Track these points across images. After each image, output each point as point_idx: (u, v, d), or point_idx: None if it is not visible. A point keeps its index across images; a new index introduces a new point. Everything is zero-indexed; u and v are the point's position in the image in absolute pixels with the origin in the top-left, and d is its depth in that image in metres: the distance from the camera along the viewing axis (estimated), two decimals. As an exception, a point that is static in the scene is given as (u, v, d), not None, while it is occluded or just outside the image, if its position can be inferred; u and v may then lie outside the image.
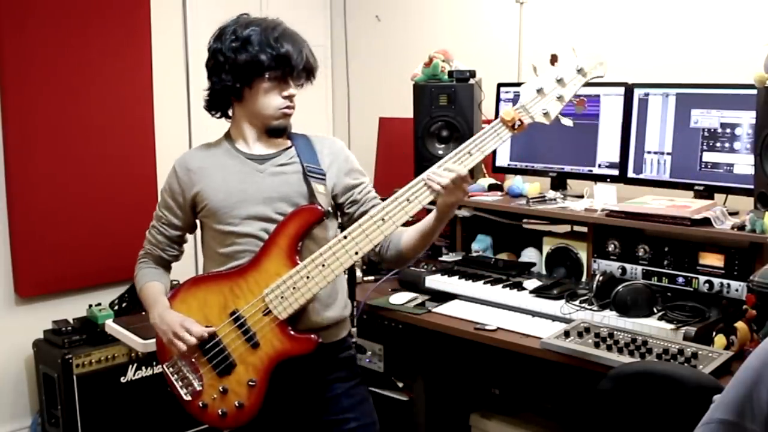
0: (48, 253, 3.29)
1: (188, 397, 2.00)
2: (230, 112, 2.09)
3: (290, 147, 2.05)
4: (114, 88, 3.41)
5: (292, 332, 1.92)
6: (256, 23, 1.99)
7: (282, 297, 1.90)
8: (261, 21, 2.00)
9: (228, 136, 2.10)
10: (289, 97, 2.00)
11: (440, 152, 3.18)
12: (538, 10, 3.42)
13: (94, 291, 3.47)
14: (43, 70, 3.21)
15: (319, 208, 1.95)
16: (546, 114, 1.86)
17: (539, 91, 1.85)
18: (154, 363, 3.22)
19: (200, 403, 1.99)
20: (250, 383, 1.94)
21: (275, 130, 2.03)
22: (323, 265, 1.89)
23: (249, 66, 1.94)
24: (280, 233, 1.94)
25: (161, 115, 3.59)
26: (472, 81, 3.17)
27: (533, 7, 3.43)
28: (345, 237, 1.88)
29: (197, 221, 2.10)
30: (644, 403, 1.95)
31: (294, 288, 1.89)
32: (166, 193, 2.09)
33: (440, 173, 1.84)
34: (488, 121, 3.27)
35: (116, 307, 3.39)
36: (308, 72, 2.02)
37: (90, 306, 3.33)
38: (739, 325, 2.18)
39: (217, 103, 2.07)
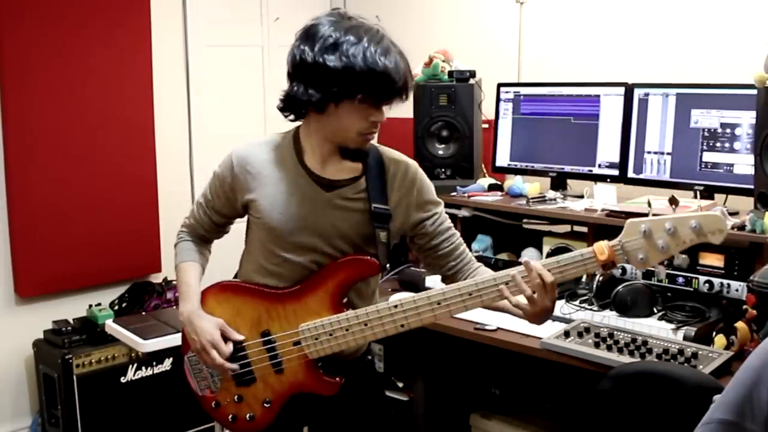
0: (48, 253, 3.29)
1: (202, 393, 1.98)
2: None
3: (361, 177, 1.85)
4: (114, 87, 3.41)
5: (319, 372, 1.86)
6: (356, 28, 1.71)
7: (316, 339, 1.83)
8: (361, 25, 1.73)
9: (296, 140, 1.87)
10: (376, 123, 1.77)
11: (440, 152, 3.18)
12: (538, 10, 3.42)
13: (94, 291, 3.47)
14: (43, 70, 3.21)
15: (377, 263, 1.83)
16: (643, 261, 1.64)
17: (645, 234, 1.63)
18: (154, 363, 3.22)
19: (213, 402, 1.97)
20: (265, 403, 1.90)
21: (350, 153, 1.82)
22: (366, 325, 1.80)
23: (341, 82, 1.68)
24: (331, 277, 1.83)
25: (161, 115, 3.59)
26: (472, 81, 3.17)
27: (533, 7, 3.43)
28: (396, 306, 1.78)
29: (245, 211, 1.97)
30: (644, 403, 1.95)
31: (331, 335, 1.82)
32: (218, 180, 1.92)
33: (527, 278, 1.69)
34: (488, 121, 3.29)
35: (116, 307, 3.39)
36: (403, 92, 1.76)
37: (90, 306, 3.33)
38: (739, 325, 2.18)
39: (293, 108, 1.82)
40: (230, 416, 1.94)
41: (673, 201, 1.76)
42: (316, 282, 1.84)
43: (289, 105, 1.80)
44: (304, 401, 1.90)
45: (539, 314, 1.74)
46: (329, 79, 1.69)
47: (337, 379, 1.87)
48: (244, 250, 2.00)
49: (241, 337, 1.89)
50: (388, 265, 1.90)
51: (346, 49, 1.68)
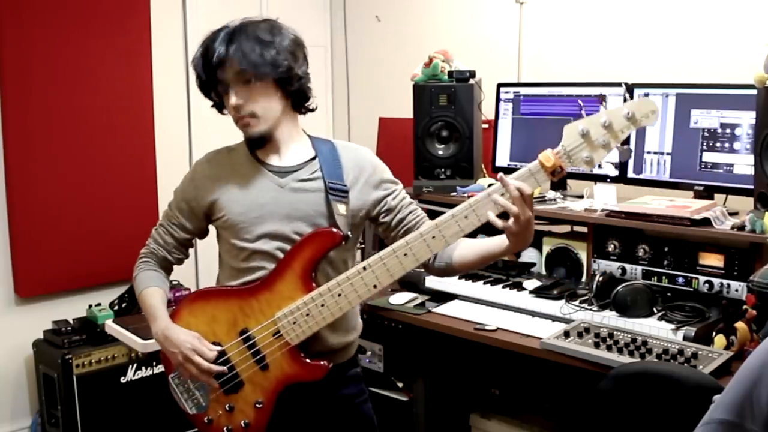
0: (48, 253, 3.29)
1: (193, 411, 1.98)
2: None
3: (314, 158, 1.92)
4: (114, 88, 3.41)
5: (303, 358, 1.87)
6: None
7: (295, 323, 1.83)
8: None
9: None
10: (233, 108, 1.84)
11: (440, 152, 3.18)
12: (538, 10, 3.42)
13: (94, 291, 3.47)
14: (43, 70, 3.21)
15: (338, 232, 1.84)
16: (589, 161, 1.69)
17: (584, 135, 1.68)
18: (154, 363, 3.22)
19: (205, 419, 1.96)
20: (257, 405, 1.89)
21: (249, 142, 1.92)
22: (339, 295, 1.81)
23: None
24: (296, 256, 1.85)
25: (161, 115, 3.59)
26: (472, 81, 3.17)
27: (533, 7, 3.43)
28: (364, 268, 1.79)
29: (209, 227, 2.03)
30: (644, 404, 1.95)
31: (308, 315, 1.82)
32: (181, 194, 1.99)
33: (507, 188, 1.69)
34: (488, 121, 3.29)
35: (116, 307, 3.39)
36: (244, 70, 1.79)
37: (90, 306, 3.33)
38: (739, 325, 2.18)
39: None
40: (225, 429, 1.93)
41: (601, 98, 1.78)
42: (283, 267, 1.86)
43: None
44: (296, 398, 1.90)
45: (524, 229, 1.72)
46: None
47: (323, 362, 1.87)
48: (219, 268, 2.03)
49: (217, 349, 1.88)
50: (350, 233, 1.89)
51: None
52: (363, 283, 1.80)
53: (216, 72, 1.82)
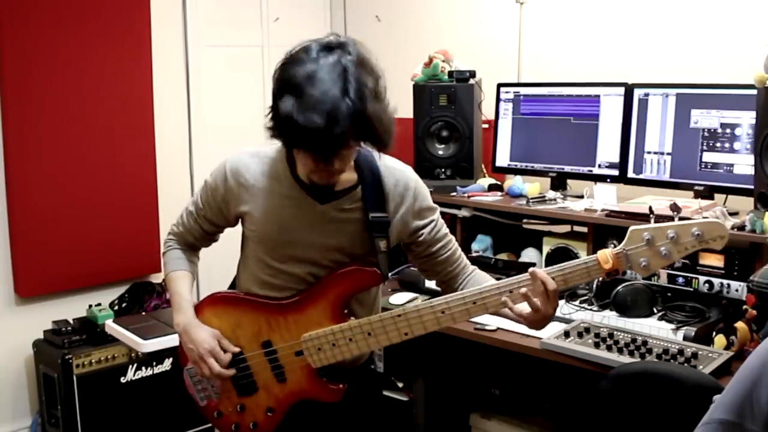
0: (48, 253, 3.29)
1: (203, 403, 1.97)
2: None
3: (356, 187, 1.81)
4: (114, 88, 3.41)
5: (322, 380, 1.85)
6: (299, 62, 1.60)
7: (320, 348, 1.81)
8: (306, 59, 1.60)
9: (289, 152, 1.79)
10: (324, 174, 1.70)
11: (440, 152, 3.18)
12: (538, 10, 3.42)
13: (94, 291, 3.47)
14: (43, 70, 3.21)
15: (380, 273, 1.80)
16: (646, 268, 1.65)
17: (648, 241, 1.63)
18: (154, 363, 3.22)
19: (215, 413, 1.95)
20: (268, 412, 1.89)
21: (314, 186, 1.77)
22: (369, 334, 1.79)
23: (281, 131, 1.62)
24: (333, 287, 1.81)
25: (161, 115, 3.59)
26: (472, 81, 3.17)
27: (533, 7, 3.43)
28: (399, 315, 1.77)
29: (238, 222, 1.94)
30: (644, 403, 1.95)
31: (334, 344, 1.80)
32: (211, 189, 1.88)
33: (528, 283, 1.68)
34: (488, 121, 3.29)
35: (116, 307, 3.39)
36: (330, 145, 1.59)
37: (90, 306, 3.33)
38: (739, 325, 2.19)
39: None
40: (233, 425, 1.93)
41: (674, 208, 1.78)
42: (318, 292, 1.82)
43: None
44: (307, 409, 1.89)
45: (540, 321, 1.73)
46: (276, 123, 1.63)
47: (341, 386, 1.85)
48: (240, 260, 1.98)
49: (236, 349, 1.87)
50: (389, 275, 1.87)
51: (284, 99, 1.59)
52: (396, 329, 1.78)
53: (295, 134, 1.60)
